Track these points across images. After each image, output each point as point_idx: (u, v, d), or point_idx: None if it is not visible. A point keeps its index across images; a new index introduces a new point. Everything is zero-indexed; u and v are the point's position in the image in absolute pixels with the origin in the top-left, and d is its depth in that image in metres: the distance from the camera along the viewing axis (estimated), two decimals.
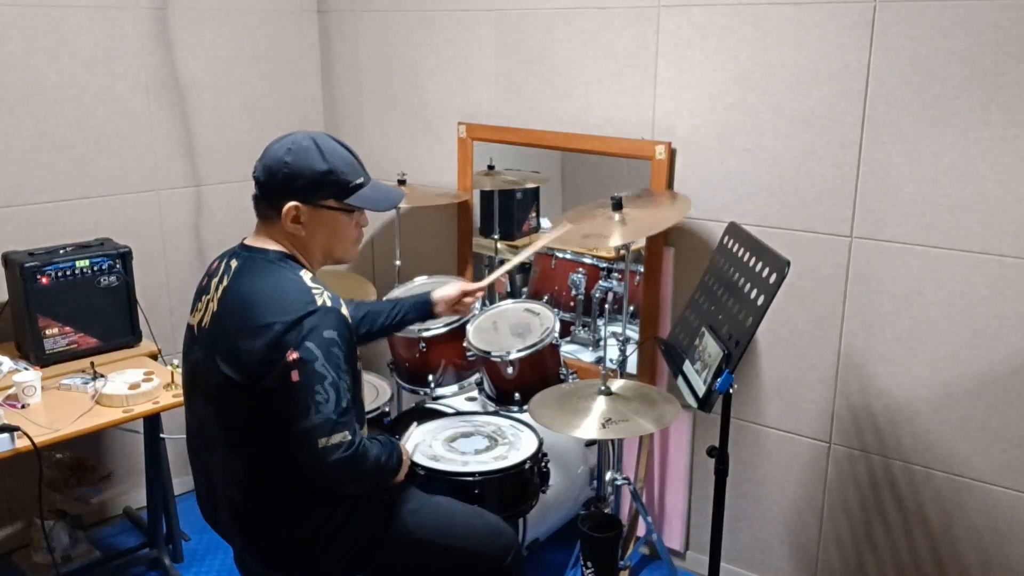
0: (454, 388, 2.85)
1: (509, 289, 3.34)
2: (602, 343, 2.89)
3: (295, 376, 1.69)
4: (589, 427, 2.26)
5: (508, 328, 2.76)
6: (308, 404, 1.69)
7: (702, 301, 2.30)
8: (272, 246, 1.85)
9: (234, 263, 1.85)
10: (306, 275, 1.82)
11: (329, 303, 1.76)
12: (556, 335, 2.65)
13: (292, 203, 1.80)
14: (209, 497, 1.93)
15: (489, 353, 2.62)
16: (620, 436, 2.41)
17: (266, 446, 1.80)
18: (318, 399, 1.69)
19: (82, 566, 2.87)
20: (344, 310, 1.79)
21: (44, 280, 2.68)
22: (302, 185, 1.80)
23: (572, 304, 3.09)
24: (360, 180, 1.86)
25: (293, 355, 1.69)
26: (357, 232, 1.92)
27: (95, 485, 3.05)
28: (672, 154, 2.68)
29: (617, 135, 2.78)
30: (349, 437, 1.72)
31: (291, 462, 1.81)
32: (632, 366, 2.85)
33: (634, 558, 2.93)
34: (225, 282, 1.83)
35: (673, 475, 2.94)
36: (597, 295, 2.95)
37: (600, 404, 2.34)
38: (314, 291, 1.76)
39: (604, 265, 3.02)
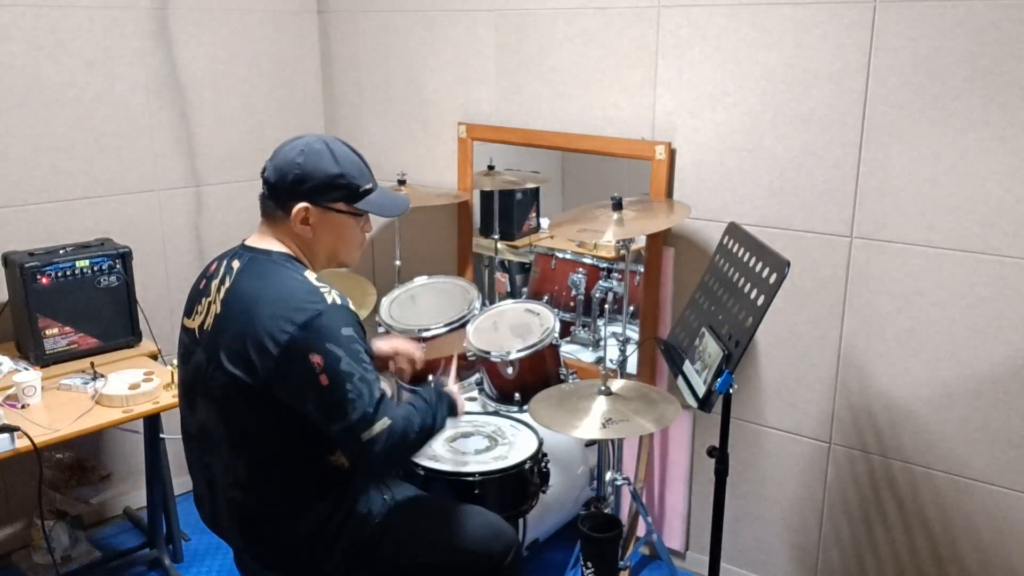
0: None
1: (509, 289, 3.34)
2: (602, 343, 2.89)
3: (324, 380, 1.69)
4: (589, 427, 2.26)
5: (508, 328, 2.76)
6: (343, 404, 1.70)
7: (702, 301, 2.30)
8: (276, 247, 1.86)
9: (236, 264, 1.85)
10: (311, 275, 1.82)
11: (339, 300, 1.77)
12: (556, 335, 2.64)
13: (302, 204, 1.81)
14: (210, 499, 1.92)
15: (489, 353, 2.62)
16: (620, 436, 2.41)
17: (270, 446, 1.81)
18: (351, 396, 1.70)
19: (82, 566, 2.87)
20: (352, 305, 1.81)
21: (44, 280, 2.68)
22: (313, 187, 1.80)
23: (572, 304, 3.09)
24: (369, 185, 1.87)
25: (317, 359, 1.69)
26: (362, 237, 1.93)
27: (95, 485, 3.05)
28: (672, 154, 2.68)
29: (617, 135, 2.78)
30: (389, 422, 1.74)
31: (294, 461, 1.82)
32: (632, 366, 2.84)
33: (634, 558, 2.93)
34: (227, 283, 1.82)
35: (673, 475, 2.94)
36: (597, 295, 2.96)
37: (600, 404, 2.34)
38: (322, 290, 1.77)
39: (604, 265, 3.02)
